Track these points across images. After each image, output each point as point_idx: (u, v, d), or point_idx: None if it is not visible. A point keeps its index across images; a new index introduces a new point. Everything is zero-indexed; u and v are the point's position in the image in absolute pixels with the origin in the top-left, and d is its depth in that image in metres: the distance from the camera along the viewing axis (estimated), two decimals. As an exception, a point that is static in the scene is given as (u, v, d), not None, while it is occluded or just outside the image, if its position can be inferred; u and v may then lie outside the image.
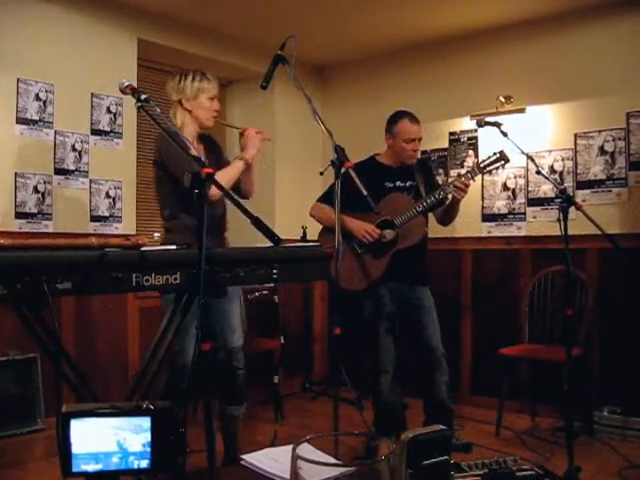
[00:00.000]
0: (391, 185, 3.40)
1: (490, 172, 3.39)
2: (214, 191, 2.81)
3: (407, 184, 3.42)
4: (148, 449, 1.31)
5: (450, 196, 3.32)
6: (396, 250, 3.31)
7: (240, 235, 3.41)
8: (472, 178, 3.28)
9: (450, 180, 3.31)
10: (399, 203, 3.33)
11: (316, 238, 3.56)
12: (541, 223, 4.37)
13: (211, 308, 2.92)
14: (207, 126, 3.01)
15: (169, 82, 3.00)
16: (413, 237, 3.31)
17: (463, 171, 4.66)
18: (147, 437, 1.31)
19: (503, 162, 3.27)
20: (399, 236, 3.31)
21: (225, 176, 2.88)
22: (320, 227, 3.55)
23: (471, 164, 4.51)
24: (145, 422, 1.31)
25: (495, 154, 3.28)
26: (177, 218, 2.91)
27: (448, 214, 3.44)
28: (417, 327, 3.38)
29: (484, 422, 4.09)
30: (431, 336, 3.35)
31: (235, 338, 3.04)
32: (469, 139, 4.73)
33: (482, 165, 3.28)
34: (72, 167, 3.86)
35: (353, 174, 2.46)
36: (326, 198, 3.33)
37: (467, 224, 4.62)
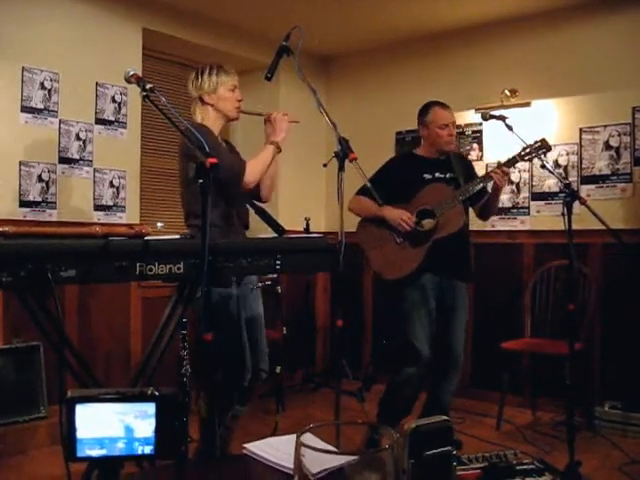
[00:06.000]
0: (430, 177, 3.31)
1: (531, 160, 3.26)
2: (250, 178, 2.76)
3: (447, 176, 3.33)
4: (152, 435, 1.31)
5: (490, 186, 3.25)
6: (435, 239, 3.23)
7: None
8: (512, 165, 3.22)
9: (489, 170, 3.23)
10: (439, 192, 3.25)
11: (321, 230, 3.53)
12: (545, 217, 4.37)
13: (249, 310, 2.87)
14: (232, 118, 2.90)
15: (188, 81, 2.90)
16: (452, 225, 3.22)
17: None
18: (152, 423, 1.31)
19: (545, 150, 3.13)
20: (438, 225, 3.23)
21: (258, 162, 2.78)
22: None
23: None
24: (150, 408, 1.31)
25: (537, 142, 3.17)
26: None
27: (488, 206, 3.37)
28: (444, 326, 3.31)
29: (485, 415, 4.11)
30: (455, 341, 3.31)
31: (264, 342, 2.96)
32: (474, 132, 4.71)
33: (523, 153, 3.18)
34: (76, 156, 3.86)
35: (358, 166, 2.44)
36: (364, 190, 3.14)
37: (471, 217, 4.61)
